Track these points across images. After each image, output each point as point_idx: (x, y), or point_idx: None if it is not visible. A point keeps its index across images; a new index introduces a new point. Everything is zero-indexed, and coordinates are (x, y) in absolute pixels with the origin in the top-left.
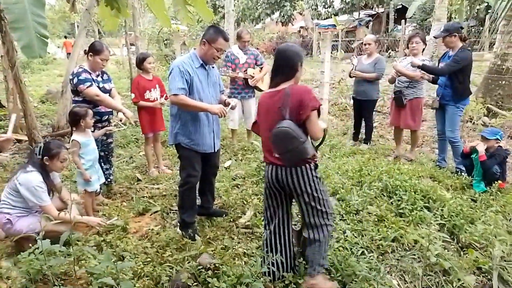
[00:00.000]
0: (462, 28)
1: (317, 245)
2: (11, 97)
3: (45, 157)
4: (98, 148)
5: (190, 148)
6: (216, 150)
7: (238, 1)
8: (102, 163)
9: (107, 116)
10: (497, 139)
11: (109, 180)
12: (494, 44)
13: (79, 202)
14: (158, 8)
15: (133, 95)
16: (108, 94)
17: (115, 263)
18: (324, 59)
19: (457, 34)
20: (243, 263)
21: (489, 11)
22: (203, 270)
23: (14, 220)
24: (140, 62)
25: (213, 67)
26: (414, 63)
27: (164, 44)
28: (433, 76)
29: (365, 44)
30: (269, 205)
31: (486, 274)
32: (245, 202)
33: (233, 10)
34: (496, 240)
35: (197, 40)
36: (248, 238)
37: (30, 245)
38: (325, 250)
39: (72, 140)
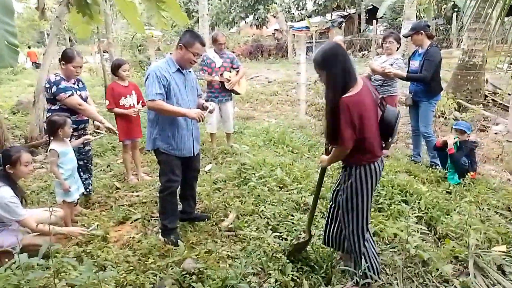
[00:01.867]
0: (429, 26)
1: None
2: None
3: (7, 166)
4: (76, 157)
5: (169, 153)
6: (195, 154)
7: (211, 5)
8: (81, 173)
9: (83, 125)
10: (469, 133)
11: (88, 190)
12: (461, 41)
13: (61, 215)
14: (131, 14)
15: (107, 102)
16: (85, 102)
17: (97, 274)
18: (299, 61)
19: (423, 32)
20: (228, 265)
21: (456, 9)
22: (187, 275)
23: None
24: (115, 69)
25: (189, 71)
26: (397, 74)
27: (138, 50)
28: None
29: None
30: (369, 207)
31: (463, 262)
32: (227, 205)
33: (207, 14)
34: (471, 230)
35: (172, 45)
36: (231, 240)
37: (7, 260)
38: None
39: (50, 150)
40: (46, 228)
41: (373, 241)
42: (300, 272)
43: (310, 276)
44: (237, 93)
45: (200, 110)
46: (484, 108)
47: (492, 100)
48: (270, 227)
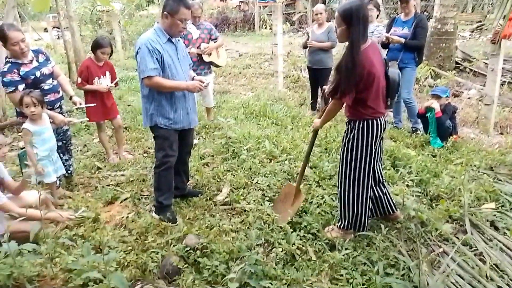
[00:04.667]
0: None
1: None
2: None
3: None
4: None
5: (169, 127)
6: (192, 126)
7: None
8: (61, 154)
9: (58, 103)
10: (447, 96)
11: (69, 171)
12: (425, 10)
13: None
14: None
15: (79, 79)
16: (50, 78)
17: (102, 256)
18: (276, 32)
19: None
20: (231, 238)
21: None
22: (191, 251)
23: None
24: (95, 48)
25: (178, 40)
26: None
27: (98, 24)
28: (389, 40)
29: (316, 14)
30: (375, 164)
31: (458, 221)
32: (219, 180)
33: None
34: (464, 190)
35: (134, 18)
36: (229, 214)
37: None
38: None
39: (22, 129)
40: (30, 212)
41: (381, 196)
42: (304, 240)
43: (314, 243)
44: (217, 66)
45: (198, 81)
46: (456, 74)
47: (463, 66)
48: (267, 198)
